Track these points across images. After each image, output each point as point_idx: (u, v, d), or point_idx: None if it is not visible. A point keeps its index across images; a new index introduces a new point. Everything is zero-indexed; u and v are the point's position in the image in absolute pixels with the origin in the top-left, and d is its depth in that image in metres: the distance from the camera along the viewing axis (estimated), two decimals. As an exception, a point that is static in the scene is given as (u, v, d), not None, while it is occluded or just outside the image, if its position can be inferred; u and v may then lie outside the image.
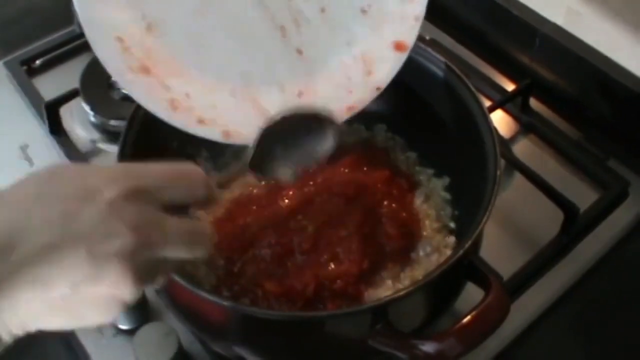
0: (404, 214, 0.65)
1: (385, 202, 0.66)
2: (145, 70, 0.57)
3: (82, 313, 0.40)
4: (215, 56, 0.60)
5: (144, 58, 0.57)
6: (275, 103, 0.60)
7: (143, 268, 0.40)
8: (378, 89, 0.62)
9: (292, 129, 0.56)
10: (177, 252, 0.43)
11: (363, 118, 0.75)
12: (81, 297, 0.38)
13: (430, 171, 0.71)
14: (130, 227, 0.39)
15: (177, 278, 0.50)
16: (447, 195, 0.68)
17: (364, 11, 0.63)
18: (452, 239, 0.65)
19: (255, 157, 0.54)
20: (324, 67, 0.63)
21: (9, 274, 0.37)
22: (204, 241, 0.45)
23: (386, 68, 0.62)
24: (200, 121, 0.58)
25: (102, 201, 0.39)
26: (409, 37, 0.62)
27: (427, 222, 0.66)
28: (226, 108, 0.59)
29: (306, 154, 0.57)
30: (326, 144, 0.57)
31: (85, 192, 0.39)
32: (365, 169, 0.68)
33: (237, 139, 0.58)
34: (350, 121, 0.74)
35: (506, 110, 0.84)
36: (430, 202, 0.68)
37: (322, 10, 0.63)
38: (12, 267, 0.37)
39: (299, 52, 0.62)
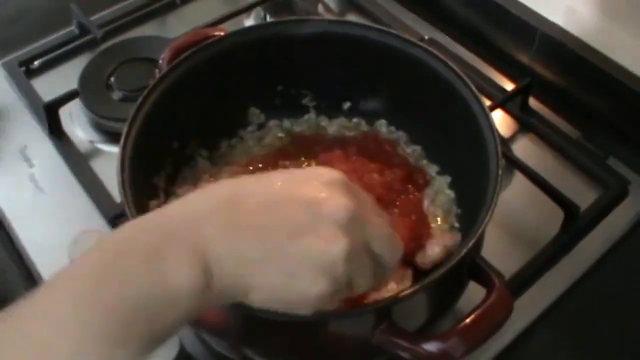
0: (413, 217, 0.65)
1: (396, 204, 0.65)
2: None
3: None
4: None
5: None
6: None
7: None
8: None
9: None
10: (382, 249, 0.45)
11: (363, 115, 0.75)
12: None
13: (435, 168, 0.70)
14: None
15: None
16: (452, 194, 0.68)
17: None
18: (458, 238, 0.64)
19: None
20: None
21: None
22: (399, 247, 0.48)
23: None
24: None
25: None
26: None
27: (434, 225, 0.65)
28: None
29: None
30: None
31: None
32: (373, 172, 0.67)
33: None
34: (350, 117, 0.75)
35: (505, 110, 0.84)
36: (437, 202, 0.67)
37: None
38: None
39: None
